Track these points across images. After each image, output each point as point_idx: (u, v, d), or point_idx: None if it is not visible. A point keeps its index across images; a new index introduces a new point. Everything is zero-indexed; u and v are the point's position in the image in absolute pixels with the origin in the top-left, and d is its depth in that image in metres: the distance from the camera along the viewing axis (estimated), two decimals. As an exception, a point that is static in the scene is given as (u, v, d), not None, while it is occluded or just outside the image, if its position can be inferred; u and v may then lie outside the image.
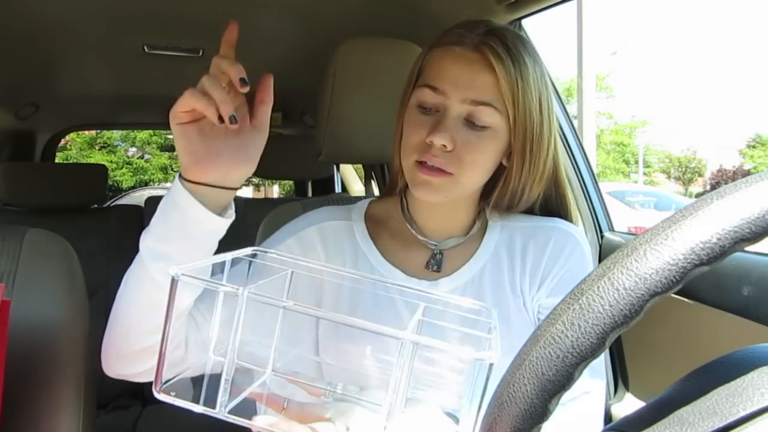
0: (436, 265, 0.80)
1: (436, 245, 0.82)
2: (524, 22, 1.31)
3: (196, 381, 0.52)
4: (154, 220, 0.65)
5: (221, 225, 0.65)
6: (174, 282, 0.47)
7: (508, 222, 0.84)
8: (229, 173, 0.64)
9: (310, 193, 2.71)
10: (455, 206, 0.81)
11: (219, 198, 0.65)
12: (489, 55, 0.72)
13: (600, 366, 0.78)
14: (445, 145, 0.71)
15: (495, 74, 0.72)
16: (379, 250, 0.81)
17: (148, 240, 0.65)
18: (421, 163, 0.73)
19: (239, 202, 2.45)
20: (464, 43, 0.74)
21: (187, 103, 0.60)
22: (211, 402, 0.48)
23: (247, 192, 16.29)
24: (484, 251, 0.82)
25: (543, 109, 0.76)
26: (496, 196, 0.81)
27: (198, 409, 0.49)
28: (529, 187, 0.79)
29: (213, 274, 0.64)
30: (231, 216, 0.67)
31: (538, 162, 0.77)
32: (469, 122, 0.73)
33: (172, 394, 0.49)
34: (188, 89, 0.60)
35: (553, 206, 0.87)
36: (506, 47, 0.72)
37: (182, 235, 0.64)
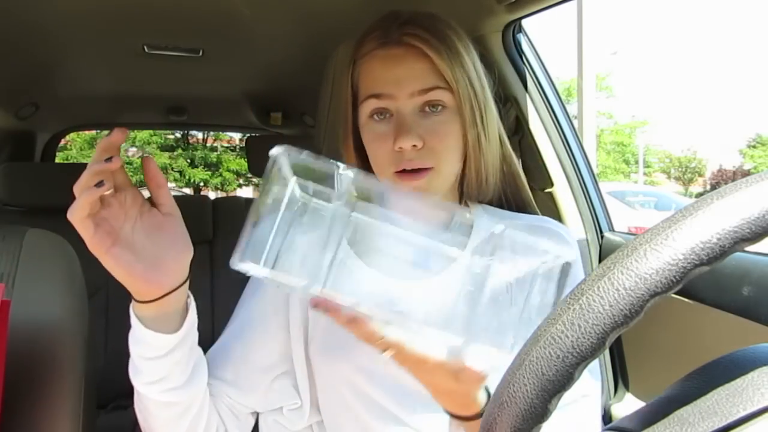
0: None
1: None
2: (524, 22, 1.31)
3: None
4: (136, 358, 0.65)
5: (187, 329, 0.65)
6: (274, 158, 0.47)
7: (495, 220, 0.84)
8: (168, 268, 0.62)
9: (310, 193, 2.70)
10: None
11: (179, 302, 0.64)
12: (415, 42, 0.72)
13: (595, 367, 0.78)
14: (415, 145, 0.72)
15: (428, 58, 0.72)
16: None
17: (138, 379, 0.67)
18: (399, 172, 0.73)
19: (240, 201, 2.45)
20: (386, 44, 0.74)
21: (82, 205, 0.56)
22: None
23: (247, 192, 16.29)
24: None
25: (480, 75, 0.77)
26: (467, 178, 0.80)
27: (299, 283, 0.47)
28: (491, 161, 0.79)
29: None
30: (191, 316, 0.66)
31: (490, 129, 0.78)
32: (425, 111, 0.74)
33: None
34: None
35: (510, 197, 0.86)
36: (425, 29, 0.73)
37: (168, 360, 0.64)
